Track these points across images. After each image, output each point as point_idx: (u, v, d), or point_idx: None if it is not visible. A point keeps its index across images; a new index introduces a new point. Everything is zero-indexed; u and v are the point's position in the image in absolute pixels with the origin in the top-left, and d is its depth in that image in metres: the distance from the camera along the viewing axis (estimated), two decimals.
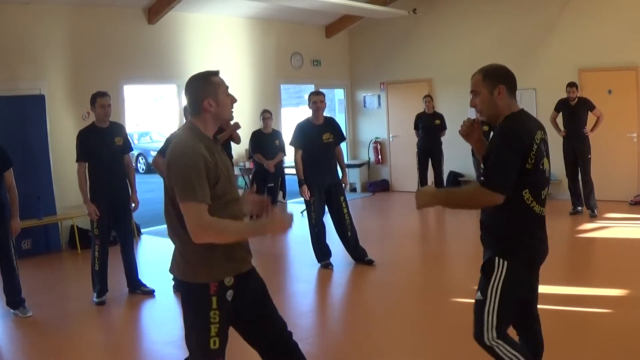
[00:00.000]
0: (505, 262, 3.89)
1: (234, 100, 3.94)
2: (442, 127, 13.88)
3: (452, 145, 14.23)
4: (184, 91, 3.91)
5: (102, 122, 7.69)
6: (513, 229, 3.94)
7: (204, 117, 3.81)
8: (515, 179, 3.77)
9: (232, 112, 3.95)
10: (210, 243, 3.62)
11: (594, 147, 11.77)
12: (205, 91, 3.80)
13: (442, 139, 13.86)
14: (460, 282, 8.22)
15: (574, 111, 11.66)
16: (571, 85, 11.64)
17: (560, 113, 11.91)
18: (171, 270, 3.90)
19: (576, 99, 11.60)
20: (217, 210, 3.65)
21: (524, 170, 3.79)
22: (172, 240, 3.87)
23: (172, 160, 3.71)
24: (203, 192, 3.58)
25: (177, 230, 3.75)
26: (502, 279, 3.90)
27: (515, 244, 3.94)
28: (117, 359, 6.13)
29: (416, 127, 14.08)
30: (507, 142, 3.83)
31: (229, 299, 3.78)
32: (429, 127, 13.85)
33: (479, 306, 3.95)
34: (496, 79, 3.94)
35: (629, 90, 12.66)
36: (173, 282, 8.10)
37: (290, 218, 3.79)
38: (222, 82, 3.89)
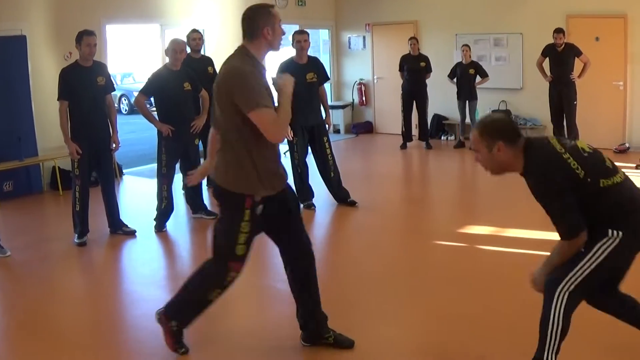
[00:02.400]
0: (620, 233, 3.73)
1: (283, 32, 4.42)
2: (427, 69, 13.76)
3: (437, 88, 14.18)
4: (242, 17, 4.37)
5: (86, 61, 7.57)
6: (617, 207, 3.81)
7: (259, 43, 4.32)
8: (578, 205, 3.70)
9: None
10: (252, 161, 4.27)
11: (580, 94, 11.76)
12: (267, 20, 4.28)
13: (427, 81, 13.77)
14: (442, 224, 8.25)
15: (561, 57, 11.64)
16: (558, 31, 11.59)
17: (547, 58, 11.87)
18: (215, 178, 4.43)
19: (563, 45, 11.56)
20: None
21: (580, 180, 3.72)
22: (221, 152, 4.40)
23: (230, 77, 4.24)
24: (265, 99, 4.15)
25: (232, 143, 4.30)
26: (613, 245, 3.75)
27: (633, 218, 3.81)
28: (98, 300, 6.13)
29: (401, 69, 13.93)
30: (547, 188, 3.75)
31: (258, 213, 4.37)
32: (414, 70, 13.71)
33: (577, 256, 3.81)
34: (493, 136, 3.82)
35: (617, 38, 12.54)
36: (155, 222, 8.10)
37: (287, 79, 4.36)
38: (278, 14, 4.38)
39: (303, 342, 4.83)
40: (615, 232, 3.72)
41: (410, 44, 13.76)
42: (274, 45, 4.38)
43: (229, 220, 4.39)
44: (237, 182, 4.31)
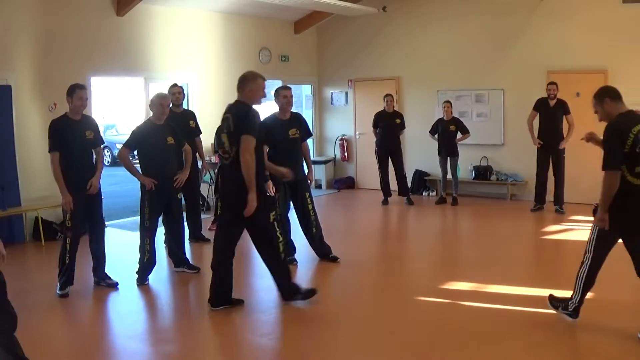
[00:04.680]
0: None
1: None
2: (402, 126, 13.87)
3: (418, 144, 14.33)
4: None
5: (76, 114, 7.60)
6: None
7: None
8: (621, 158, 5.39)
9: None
10: None
11: None
12: None
13: (409, 138, 13.87)
14: (424, 280, 8.26)
15: (553, 112, 11.94)
16: (552, 83, 11.94)
17: (538, 113, 12.15)
18: None
19: (555, 100, 11.85)
20: None
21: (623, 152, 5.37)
22: None
23: None
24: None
25: None
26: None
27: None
28: (79, 352, 6.08)
29: (375, 126, 14.02)
30: (607, 136, 5.57)
31: None
32: (389, 126, 13.78)
33: None
34: (601, 96, 5.84)
35: None
36: (137, 275, 8.08)
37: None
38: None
39: None
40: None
41: (386, 101, 13.87)
42: None
43: None
44: None
